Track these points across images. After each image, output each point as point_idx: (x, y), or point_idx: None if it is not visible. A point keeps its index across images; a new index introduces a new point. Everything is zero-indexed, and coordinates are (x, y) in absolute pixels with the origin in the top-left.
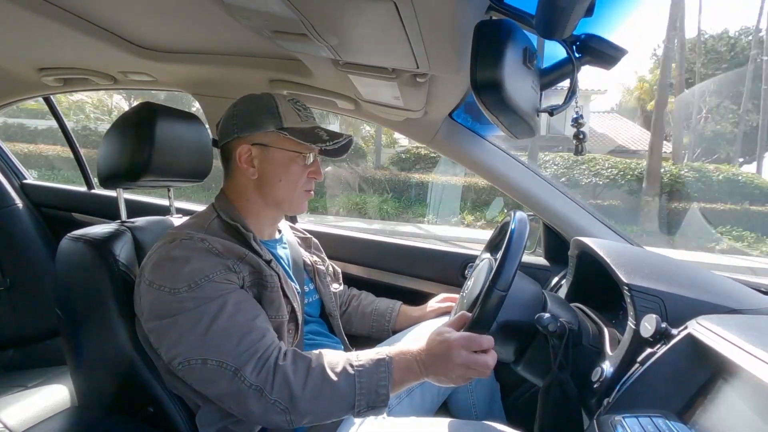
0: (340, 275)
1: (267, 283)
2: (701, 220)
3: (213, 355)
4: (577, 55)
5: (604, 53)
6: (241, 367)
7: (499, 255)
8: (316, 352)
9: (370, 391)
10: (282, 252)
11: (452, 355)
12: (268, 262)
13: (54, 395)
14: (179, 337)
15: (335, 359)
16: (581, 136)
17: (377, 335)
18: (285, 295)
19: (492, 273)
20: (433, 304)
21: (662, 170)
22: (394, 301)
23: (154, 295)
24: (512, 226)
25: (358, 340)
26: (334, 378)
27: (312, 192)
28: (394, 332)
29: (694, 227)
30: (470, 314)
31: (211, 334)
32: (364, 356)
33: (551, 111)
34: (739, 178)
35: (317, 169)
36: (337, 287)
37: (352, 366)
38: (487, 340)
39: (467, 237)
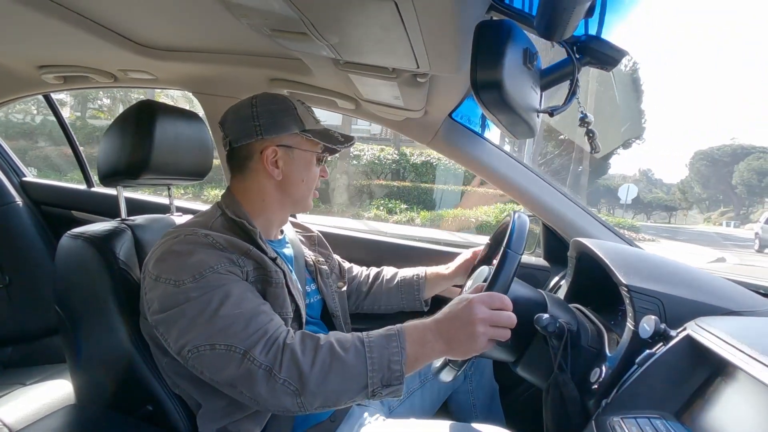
0: (346, 271)
1: (272, 279)
2: (362, 195)
3: (221, 340)
4: (577, 56)
5: (604, 54)
6: (249, 349)
7: (507, 229)
8: (324, 334)
9: (383, 367)
10: (286, 252)
11: (474, 311)
12: (273, 260)
13: (53, 393)
14: (187, 326)
15: (345, 337)
16: (591, 135)
17: (409, 308)
18: (290, 293)
19: (505, 238)
20: (461, 260)
21: (365, 153)
22: (419, 268)
23: (161, 289)
24: (514, 218)
25: None
26: (344, 354)
27: (317, 190)
28: (426, 302)
29: (358, 200)
30: (485, 284)
31: (218, 320)
32: (374, 333)
33: (551, 111)
34: (432, 160)
35: (324, 169)
36: (342, 285)
37: (362, 343)
38: (507, 299)
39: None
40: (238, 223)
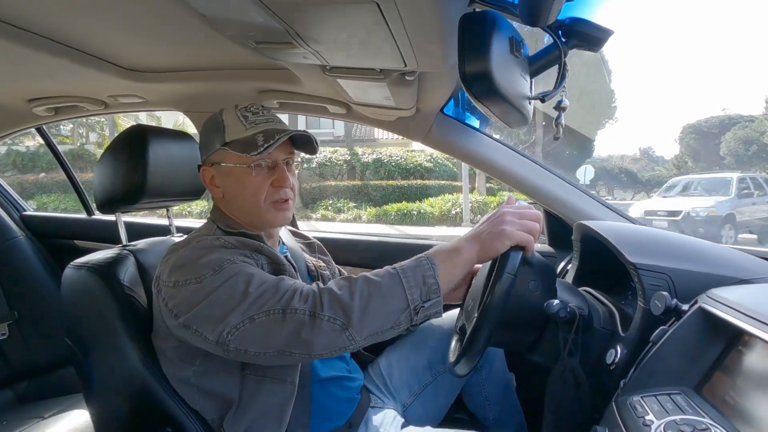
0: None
1: (286, 271)
2: (314, 197)
3: (257, 310)
4: (563, 39)
5: (590, 36)
6: (287, 306)
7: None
8: None
9: (419, 284)
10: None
11: (502, 212)
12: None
13: (72, 424)
14: (221, 312)
15: (375, 271)
16: (559, 119)
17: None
18: None
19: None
20: None
21: (316, 156)
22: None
23: (184, 291)
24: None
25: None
26: (379, 280)
27: (285, 202)
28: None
29: (310, 202)
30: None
31: (249, 296)
32: (402, 262)
33: (543, 97)
34: (383, 158)
35: (281, 176)
36: None
37: (393, 268)
38: (534, 209)
39: None
40: (237, 233)
